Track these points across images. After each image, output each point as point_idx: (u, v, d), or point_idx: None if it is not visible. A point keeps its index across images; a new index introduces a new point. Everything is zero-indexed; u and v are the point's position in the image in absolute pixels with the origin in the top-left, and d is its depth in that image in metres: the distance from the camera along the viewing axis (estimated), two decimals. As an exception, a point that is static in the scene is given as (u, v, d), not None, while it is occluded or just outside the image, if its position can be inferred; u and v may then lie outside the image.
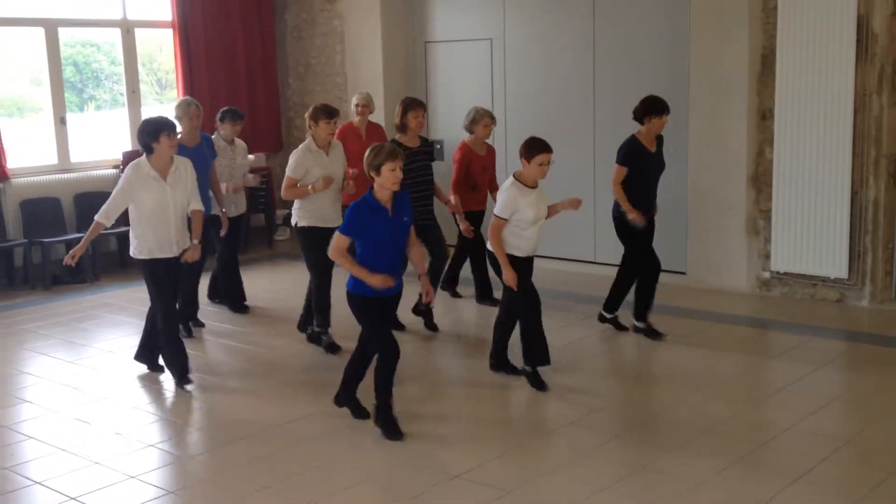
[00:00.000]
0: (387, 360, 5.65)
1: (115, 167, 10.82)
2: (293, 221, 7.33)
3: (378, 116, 11.02)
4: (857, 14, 7.93)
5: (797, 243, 8.47)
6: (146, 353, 7.10)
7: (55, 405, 6.50)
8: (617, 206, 7.32)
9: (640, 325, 7.59)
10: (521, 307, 6.49)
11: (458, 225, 8.14)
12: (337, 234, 5.53)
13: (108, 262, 10.57)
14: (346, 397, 6.01)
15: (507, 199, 6.30)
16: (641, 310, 7.57)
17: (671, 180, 8.94)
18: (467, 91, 10.92)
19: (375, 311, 5.67)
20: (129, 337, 8.19)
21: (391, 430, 5.66)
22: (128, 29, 11.09)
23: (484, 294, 8.66)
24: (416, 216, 6.83)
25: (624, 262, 7.58)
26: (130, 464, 5.49)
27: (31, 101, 11.46)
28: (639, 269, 7.50)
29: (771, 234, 8.66)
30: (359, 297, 5.63)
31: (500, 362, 6.76)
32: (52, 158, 10.60)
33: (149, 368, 7.09)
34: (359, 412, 5.96)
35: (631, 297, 7.63)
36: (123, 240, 10.65)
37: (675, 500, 4.84)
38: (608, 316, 7.74)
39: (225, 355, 7.55)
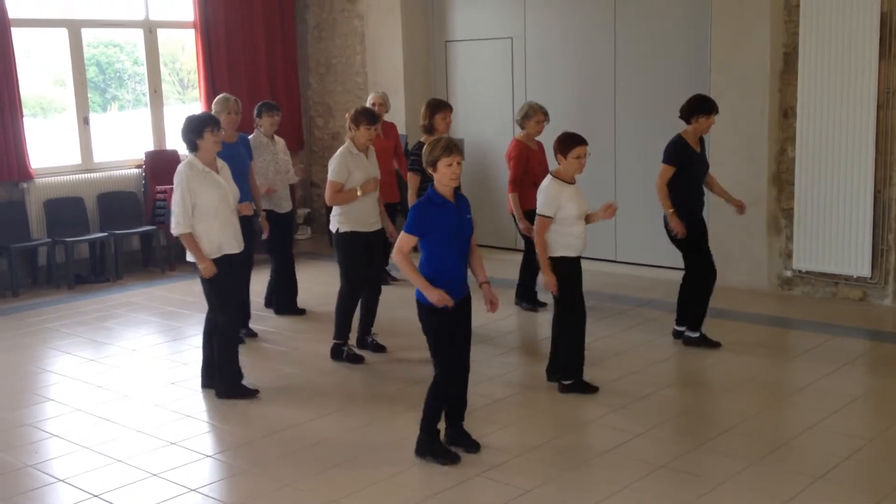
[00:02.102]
0: (440, 388, 5.31)
1: (138, 167, 10.89)
2: (334, 228, 7.14)
3: (399, 115, 11.06)
4: (880, 11, 7.88)
5: (819, 241, 8.43)
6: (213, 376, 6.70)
7: (78, 403, 6.55)
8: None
9: (680, 328, 7.40)
10: (569, 314, 6.32)
11: (517, 226, 8.02)
12: (402, 233, 5.19)
13: (130, 260, 10.64)
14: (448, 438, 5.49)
15: (548, 196, 6.15)
16: (682, 314, 7.36)
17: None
18: (488, 90, 10.92)
19: (446, 321, 5.24)
20: (151, 335, 8.25)
21: (447, 456, 5.36)
22: (150, 29, 11.15)
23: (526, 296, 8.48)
24: None
25: (687, 272, 7.27)
26: (153, 462, 5.53)
27: (54, 101, 11.56)
28: (706, 274, 7.20)
29: (793, 232, 8.61)
30: (419, 304, 5.26)
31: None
32: (75, 158, 10.68)
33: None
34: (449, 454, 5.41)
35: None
36: (146, 239, 10.74)
37: (696, 499, 4.82)
38: (694, 336, 7.29)
39: (246, 355, 7.57)
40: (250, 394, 6.54)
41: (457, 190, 5.30)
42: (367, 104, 9.30)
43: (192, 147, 6.32)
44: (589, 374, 6.58)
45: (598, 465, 5.30)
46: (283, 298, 8.62)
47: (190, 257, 6.38)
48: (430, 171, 5.21)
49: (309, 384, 6.81)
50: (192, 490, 5.15)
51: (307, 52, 12.41)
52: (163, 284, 9.95)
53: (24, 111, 10.08)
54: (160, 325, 8.51)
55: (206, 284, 6.45)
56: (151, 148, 11.10)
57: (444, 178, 5.15)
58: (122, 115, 11.80)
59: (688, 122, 7.04)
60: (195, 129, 6.27)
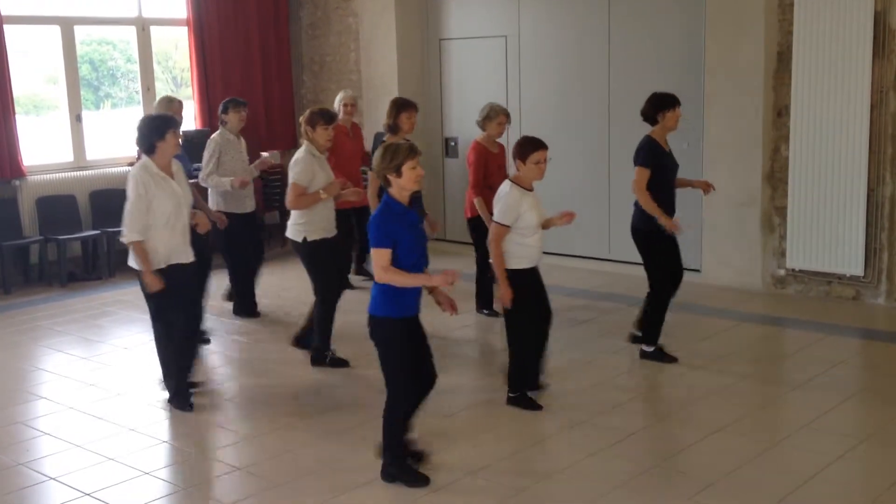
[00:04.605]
0: (400, 405, 5.04)
1: (131, 165, 10.84)
2: (299, 237, 6.83)
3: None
4: (873, 10, 7.89)
5: (813, 240, 8.43)
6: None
7: (70, 401, 6.53)
8: (639, 217, 6.76)
9: (639, 333, 7.09)
10: (525, 325, 6.03)
11: (471, 233, 7.89)
12: (376, 251, 4.84)
13: (122, 258, 10.54)
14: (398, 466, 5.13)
15: (508, 203, 5.82)
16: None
17: (687, 177, 8.90)
18: (482, 88, 10.90)
19: (408, 335, 4.99)
20: (143, 333, 8.19)
21: (415, 479, 5.08)
22: (143, 27, 11.13)
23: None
24: None
25: (652, 285, 6.92)
26: (145, 460, 5.52)
27: (47, 98, 11.52)
28: (669, 287, 6.91)
29: (786, 231, 8.62)
30: (389, 320, 4.93)
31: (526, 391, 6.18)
32: (68, 156, 10.65)
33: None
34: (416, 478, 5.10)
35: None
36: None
37: (689, 498, 4.82)
38: (649, 350, 6.99)
39: (238, 354, 7.56)
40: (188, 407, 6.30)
41: (413, 195, 4.99)
42: (336, 104, 9.21)
43: (151, 149, 5.96)
44: (578, 375, 6.57)
45: (590, 464, 5.28)
46: (243, 299, 8.50)
47: (133, 263, 6.11)
48: (390, 176, 4.85)
49: (293, 388, 6.72)
50: (183, 489, 5.14)
51: (301, 50, 12.39)
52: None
53: (17, 109, 10.04)
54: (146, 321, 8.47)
55: (149, 294, 6.16)
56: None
57: (408, 182, 4.85)
58: (115, 112, 11.76)
59: (654, 121, 6.76)
60: (158, 130, 5.94)
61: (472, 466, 5.26)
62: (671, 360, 6.92)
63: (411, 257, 4.89)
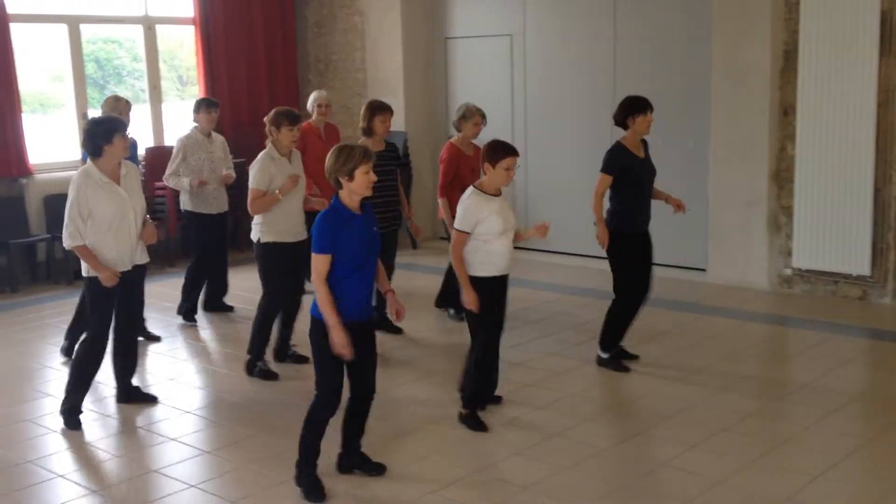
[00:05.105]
0: (321, 410, 4.91)
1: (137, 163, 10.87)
2: (255, 237, 6.74)
3: (398, 113, 10.99)
4: (880, 9, 7.88)
5: (819, 240, 8.42)
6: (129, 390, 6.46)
7: (77, 399, 6.53)
8: (609, 219, 6.57)
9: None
10: (482, 333, 5.76)
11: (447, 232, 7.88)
12: (315, 256, 4.69)
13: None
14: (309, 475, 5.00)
15: (467, 210, 5.60)
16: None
17: (693, 176, 8.91)
18: (487, 87, 10.91)
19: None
20: (150, 330, 8.23)
21: (313, 491, 4.92)
22: (149, 25, 11.14)
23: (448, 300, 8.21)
24: (383, 223, 6.63)
25: (616, 292, 6.76)
26: (151, 457, 5.54)
27: (53, 97, 11.54)
28: (632, 297, 6.73)
29: (793, 230, 8.61)
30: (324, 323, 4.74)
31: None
32: (74, 154, 10.65)
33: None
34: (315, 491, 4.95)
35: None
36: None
37: (695, 498, 4.82)
38: (605, 356, 6.83)
39: (235, 352, 7.57)
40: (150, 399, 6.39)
41: (364, 201, 4.87)
42: (310, 104, 9.07)
43: (97, 153, 5.80)
44: (584, 372, 6.55)
45: (594, 463, 5.28)
46: (212, 297, 8.60)
47: (86, 271, 5.96)
48: (343, 180, 4.70)
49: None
50: (191, 486, 5.15)
51: (307, 49, 12.39)
52: (162, 280, 9.94)
53: (23, 107, 10.07)
54: (159, 320, 8.49)
55: (87, 298, 6.07)
56: (151, 144, 11.09)
57: (360, 186, 4.70)
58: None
59: (624, 126, 6.57)
60: (106, 134, 5.78)
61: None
62: (625, 369, 6.76)
63: (348, 265, 4.73)
